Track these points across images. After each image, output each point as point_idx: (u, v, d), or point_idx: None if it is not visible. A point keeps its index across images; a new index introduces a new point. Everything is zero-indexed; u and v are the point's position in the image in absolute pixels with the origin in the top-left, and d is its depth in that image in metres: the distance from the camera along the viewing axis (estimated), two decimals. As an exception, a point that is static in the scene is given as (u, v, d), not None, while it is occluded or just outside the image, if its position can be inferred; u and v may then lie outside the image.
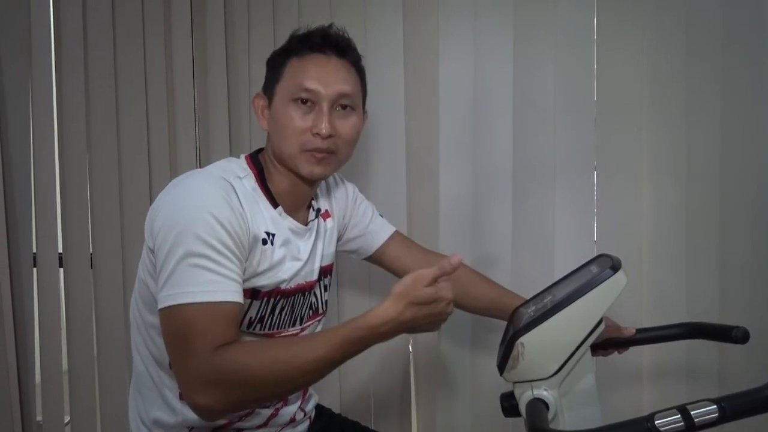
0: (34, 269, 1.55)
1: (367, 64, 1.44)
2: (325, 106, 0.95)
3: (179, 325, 0.82)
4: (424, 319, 0.79)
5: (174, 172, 1.49)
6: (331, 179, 1.17)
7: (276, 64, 1.00)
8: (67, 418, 1.59)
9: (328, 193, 1.14)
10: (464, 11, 1.42)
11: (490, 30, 1.41)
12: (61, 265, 1.54)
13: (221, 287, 0.83)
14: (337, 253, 1.21)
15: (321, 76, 0.96)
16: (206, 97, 1.49)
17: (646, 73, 1.37)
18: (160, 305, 0.84)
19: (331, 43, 0.99)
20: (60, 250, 1.54)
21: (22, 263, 1.55)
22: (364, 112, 1.06)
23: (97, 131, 1.50)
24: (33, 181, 1.52)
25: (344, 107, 0.98)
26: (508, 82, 1.40)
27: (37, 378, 1.58)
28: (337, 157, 0.99)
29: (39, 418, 1.59)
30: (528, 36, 1.39)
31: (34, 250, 1.54)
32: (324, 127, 0.94)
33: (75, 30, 1.47)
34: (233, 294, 0.84)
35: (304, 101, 0.96)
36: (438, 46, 1.43)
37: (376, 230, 1.20)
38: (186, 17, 1.46)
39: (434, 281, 0.78)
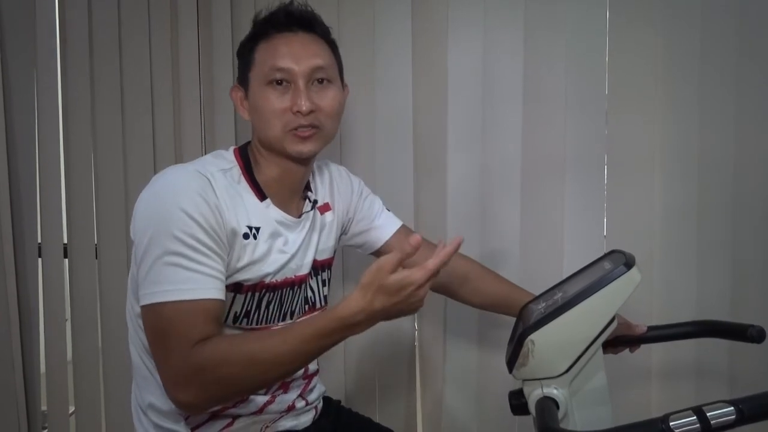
0: (39, 259, 1.55)
1: (375, 57, 1.44)
2: (301, 83, 0.94)
3: (157, 324, 0.83)
4: (394, 307, 0.76)
5: (179, 163, 1.47)
6: (335, 172, 1.15)
7: (245, 52, 0.99)
8: (71, 408, 1.59)
9: (331, 186, 1.12)
10: (474, 4, 1.39)
11: (500, 23, 1.39)
12: (65, 256, 1.54)
13: (199, 285, 0.83)
14: (344, 247, 1.20)
15: (291, 53, 0.94)
16: (212, 88, 1.47)
17: (658, 67, 1.35)
18: (141, 303, 0.85)
19: (295, 19, 0.97)
20: (65, 240, 1.54)
21: (27, 253, 1.55)
22: (344, 85, 1.04)
23: (102, 122, 1.49)
24: (38, 171, 1.52)
25: (321, 81, 0.96)
26: (518, 75, 1.38)
27: (42, 368, 1.59)
28: (322, 132, 0.97)
29: (44, 407, 1.60)
30: (539, 29, 1.37)
31: (39, 241, 1.54)
32: (304, 104, 0.93)
33: (80, 20, 1.46)
34: (212, 291, 0.84)
35: (279, 82, 0.94)
36: (447, 38, 1.41)
37: (383, 224, 1.18)
38: (192, 7, 1.45)
39: (398, 266, 0.75)
